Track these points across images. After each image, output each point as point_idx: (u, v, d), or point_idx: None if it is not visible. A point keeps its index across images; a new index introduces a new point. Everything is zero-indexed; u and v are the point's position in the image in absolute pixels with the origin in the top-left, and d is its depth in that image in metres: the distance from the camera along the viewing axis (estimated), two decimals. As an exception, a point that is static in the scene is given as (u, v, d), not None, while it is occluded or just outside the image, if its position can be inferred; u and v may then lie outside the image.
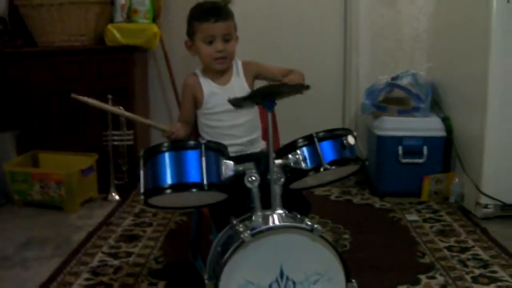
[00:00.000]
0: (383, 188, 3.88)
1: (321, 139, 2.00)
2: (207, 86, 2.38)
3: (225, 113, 2.16)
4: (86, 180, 3.82)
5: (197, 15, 2.33)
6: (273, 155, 1.92)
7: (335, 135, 2.03)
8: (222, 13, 2.31)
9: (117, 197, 3.92)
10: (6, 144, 4.02)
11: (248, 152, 2.35)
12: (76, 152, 3.99)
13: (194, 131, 2.49)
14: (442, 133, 3.82)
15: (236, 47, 2.38)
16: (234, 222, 1.93)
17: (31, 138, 4.12)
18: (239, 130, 2.36)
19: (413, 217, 3.48)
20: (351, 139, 2.03)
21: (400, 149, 3.77)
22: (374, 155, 3.90)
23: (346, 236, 3.17)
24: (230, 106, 1.99)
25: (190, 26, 2.36)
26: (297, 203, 2.13)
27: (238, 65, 2.44)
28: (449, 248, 2.99)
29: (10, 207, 3.82)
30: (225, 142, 2.13)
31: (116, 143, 3.92)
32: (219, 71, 2.38)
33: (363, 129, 4.19)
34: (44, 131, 4.11)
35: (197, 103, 2.40)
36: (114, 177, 3.97)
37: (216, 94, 2.34)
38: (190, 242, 2.70)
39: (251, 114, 2.37)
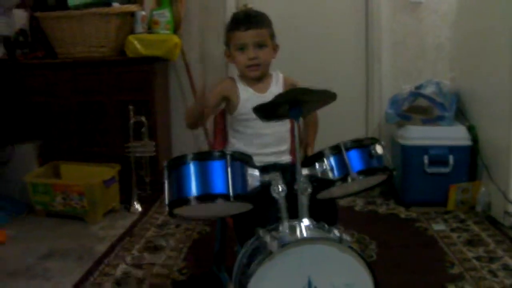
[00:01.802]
0: (408, 198, 3.83)
1: (348, 149, 1.96)
2: (244, 91, 2.40)
3: (257, 120, 2.14)
4: (108, 191, 3.81)
5: (230, 25, 2.38)
6: (300, 165, 1.89)
7: (363, 145, 1.99)
8: (253, 21, 2.32)
9: (139, 208, 3.90)
10: (27, 155, 4.05)
11: (274, 162, 2.33)
12: (98, 163, 3.98)
13: (223, 136, 2.52)
14: (467, 142, 3.76)
15: (273, 55, 2.41)
16: (261, 233, 1.90)
17: (52, 149, 4.15)
18: (268, 140, 2.38)
19: (440, 226, 3.42)
20: (379, 149, 1.99)
21: (425, 158, 3.73)
22: (399, 165, 3.85)
23: (372, 247, 3.13)
24: None
25: (226, 36, 2.40)
26: (325, 213, 2.09)
27: (278, 76, 2.47)
28: (478, 258, 2.93)
29: (32, 218, 3.82)
30: (253, 150, 2.16)
31: (138, 154, 3.91)
32: (254, 78, 2.39)
33: (387, 139, 4.14)
34: (65, 142, 4.13)
35: (229, 106, 2.42)
36: (136, 188, 3.96)
37: (252, 100, 2.32)
38: (214, 253, 2.67)
39: (283, 126, 2.40)
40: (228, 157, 1.85)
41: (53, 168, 4.03)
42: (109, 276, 2.85)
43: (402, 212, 3.73)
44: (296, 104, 1.86)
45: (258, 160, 2.20)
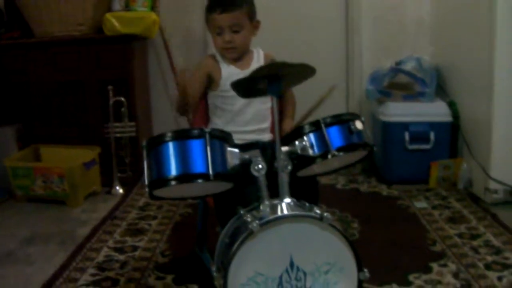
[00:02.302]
0: (390, 176, 3.83)
1: (328, 125, 1.95)
2: (226, 68, 2.39)
3: (238, 97, 2.12)
4: (89, 173, 3.78)
5: (208, 5, 2.36)
6: (279, 142, 1.87)
7: (342, 120, 1.98)
8: (228, 2, 2.29)
9: (121, 191, 3.88)
10: (6, 138, 3.98)
11: (256, 140, 2.31)
12: (78, 145, 3.94)
13: (204, 113, 2.50)
14: (448, 118, 3.77)
15: (253, 33, 2.39)
16: (242, 212, 1.88)
17: (31, 131, 4.08)
18: (249, 117, 2.37)
19: (421, 204, 3.43)
20: (359, 124, 1.97)
21: (406, 135, 3.73)
22: (380, 142, 3.85)
23: (355, 225, 3.13)
24: None
25: (205, 14, 2.38)
26: (306, 191, 2.08)
27: (259, 53, 2.47)
28: (460, 235, 2.94)
29: (13, 203, 3.78)
30: (234, 127, 2.18)
31: (118, 135, 3.88)
32: (231, 59, 2.39)
33: (368, 116, 4.13)
34: (45, 124, 4.06)
35: (211, 84, 2.40)
36: (117, 170, 3.93)
37: (234, 76, 2.28)
38: (196, 234, 2.66)
39: (264, 103, 2.38)
40: (207, 136, 1.82)
41: (33, 152, 3.98)
42: (92, 260, 2.82)
43: (384, 190, 3.74)
44: (274, 79, 1.83)
45: (239, 138, 2.19)
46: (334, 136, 1.94)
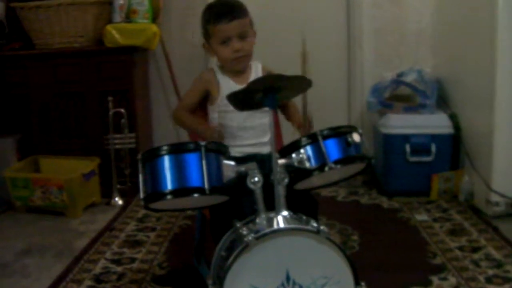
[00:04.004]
0: (391, 188, 3.80)
1: (325, 137, 1.94)
2: (225, 83, 2.34)
3: (238, 113, 2.11)
4: (88, 184, 3.76)
5: (210, 18, 2.29)
6: (276, 155, 1.86)
7: (340, 133, 1.97)
8: (235, 11, 2.26)
9: (120, 202, 3.86)
10: (6, 149, 3.97)
11: (255, 153, 2.29)
12: (77, 156, 3.93)
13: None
14: (449, 130, 3.74)
15: (253, 43, 2.35)
16: (238, 225, 1.87)
17: (31, 142, 4.06)
18: (251, 132, 2.32)
19: (422, 216, 3.40)
20: (356, 137, 1.97)
21: (407, 147, 3.70)
22: (381, 154, 3.83)
23: (355, 237, 3.10)
24: None
25: (205, 29, 2.33)
26: (304, 204, 2.06)
27: (257, 67, 2.42)
28: (460, 248, 2.91)
29: (12, 214, 3.76)
30: (235, 141, 2.19)
31: (117, 146, 3.86)
32: (239, 70, 2.35)
33: (369, 127, 4.11)
34: (45, 135, 4.05)
35: (211, 99, 2.37)
36: (116, 181, 3.91)
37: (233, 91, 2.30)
38: (194, 247, 2.64)
39: (265, 118, 2.30)
40: (203, 149, 1.82)
41: (32, 163, 3.97)
42: (89, 272, 2.80)
43: (385, 202, 3.70)
44: (270, 91, 1.82)
45: (238, 151, 2.20)
46: (332, 148, 1.94)
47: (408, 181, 3.75)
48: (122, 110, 3.83)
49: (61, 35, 3.94)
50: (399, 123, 3.77)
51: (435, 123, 3.76)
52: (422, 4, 4.26)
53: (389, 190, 3.81)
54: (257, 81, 1.82)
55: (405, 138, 3.72)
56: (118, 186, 3.92)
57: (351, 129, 2.00)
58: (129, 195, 3.90)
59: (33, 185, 3.67)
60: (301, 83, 1.88)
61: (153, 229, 3.37)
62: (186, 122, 2.39)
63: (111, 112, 3.83)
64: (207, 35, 2.33)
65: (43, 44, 4.00)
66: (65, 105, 3.99)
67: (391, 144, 3.76)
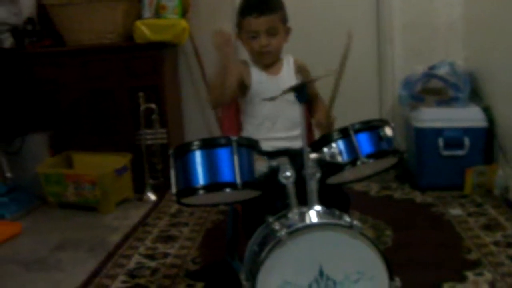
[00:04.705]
0: (424, 182, 3.76)
1: (357, 131, 1.93)
2: (257, 74, 2.36)
3: (269, 104, 2.11)
4: (121, 180, 3.79)
5: (242, 9, 2.32)
6: (307, 149, 1.85)
7: (372, 127, 1.96)
8: (265, 7, 2.26)
9: (153, 197, 3.88)
10: (38, 145, 4.03)
11: (286, 147, 2.29)
12: (109, 152, 3.96)
13: (235, 121, 2.49)
14: (483, 123, 3.68)
15: (285, 40, 2.36)
16: (270, 220, 1.86)
17: (63, 138, 4.10)
18: (281, 124, 2.33)
19: (456, 211, 3.35)
20: (388, 131, 1.95)
21: (440, 141, 3.65)
22: (414, 148, 3.79)
23: (388, 232, 3.07)
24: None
25: (237, 20, 2.35)
26: (336, 199, 2.05)
27: (289, 60, 2.43)
28: (495, 243, 2.86)
29: (45, 209, 3.81)
30: (265, 134, 2.21)
31: (149, 142, 3.88)
32: (264, 64, 2.36)
33: (401, 121, 4.07)
34: (76, 131, 4.08)
35: (242, 89, 2.36)
36: (149, 176, 3.93)
37: (264, 83, 2.32)
38: (226, 242, 2.64)
39: (295, 110, 2.30)
40: (234, 144, 1.82)
41: (65, 158, 4.02)
42: (123, 267, 2.83)
43: (418, 197, 3.66)
44: (301, 87, 1.84)
45: (269, 145, 2.20)
46: (364, 142, 1.93)
47: (441, 175, 3.70)
48: (153, 106, 3.85)
49: (91, 32, 3.96)
50: (431, 116, 3.72)
51: (468, 116, 3.70)
52: (453, -5, 4.20)
53: (422, 185, 3.77)
54: (290, 89, 1.87)
55: (438, 132, 3.67)
56: (151, 182, 3.93)
57: (383, 123, 1.99)
58: (161, 190, 3.92)
59: (66, 181, 3.71)
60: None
61: (186, 224, 3.38)
62: (215, 82, 2.26)
63: (142, 108, 3.85)
64: (238, 26, 2.35)
65: (73, 41, 4.03)
66: (95, 101, 4.02)
67: (424, 138, 3.72)
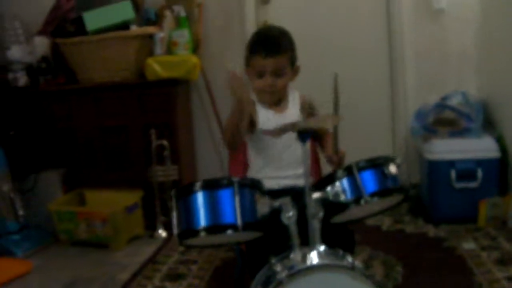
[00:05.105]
0: (437, 215, 3.72)
1: (361, 169, 1.90)
2: (263, 112, 2.36)
3: (275, 141, 2.10)
4: (131, 217, 3.79)
5: (251, 46, 2.32)
6: (309, 188, 1.83)
7: (376, 164, 1.92)
8: (274, 47, 2.26)
9: (163, 234, 3.87)
10: (52, 182, 4.05)
11: (292, 185, 2.27)
12: (121, 188, 3.96)
13: (243, 160, 2.46)
14: (496, 153, 3.64)
15: (292, 79, 2.35)
16: (273, 261, 1.84)
17: (76, 175, 4.13)
18: (286, 161, 2.31)
19: (470, 245, 3.30)
20: (393, 168, 1.92)
21: (452, 173, 3.61)
22: (426, 180, 3.75)
23: (398, 268, 3.03)
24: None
25: (246, 54, 2.35)
26: (341, 238, 2.03)
27: (295, 96, 2.43)
28: (508, 278, 2.81)
29: (57, 247, 3.82)
30: (271, 172, 2.22)
31: (161, 178, 3.88)
32: (265, 101, 2.36)
33: (414, 153, 4.04)
34: (89, 168, 4.11)
35: (251, 126, 2.33)
36: (160, 213, 3.92)
37: (271, 121, 2.30)
38: (234, 280, 2.61)
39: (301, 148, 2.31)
40: (236, 185, 1.80)
41: (77, 195, 4.04)
42: (131, 306, 2.82)
43: (431, 230, 3.61)
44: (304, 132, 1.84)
45: (276, 183, 2.17)
46: (368, 181, 1.89)
47: (454, 208, 3.66)
48: (165, 142, 3.85)
49: (103, 69, 4.00)
50: (444, 148, 3.69)
51: (480, 147, 3.66)
52: (465, 24, 4.17)
53: (435, 218, 3.72)
54: (290, 128, 1.84)
55: (450, 164, 3.63)
56: (162, 218, 3.92)
57: (388, 160, 1.96)
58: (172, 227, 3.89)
59: (78, 218, 3.72)
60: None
61: (195, 262, 3.36)
62: (228, 125, 2.24)
63: (154, 145, 3.86)
64: (246, 61, 2.35)
65: (86, 78, 4.08)
66: (109, 138, 4.05)
67: (436, 170, 3.68)
